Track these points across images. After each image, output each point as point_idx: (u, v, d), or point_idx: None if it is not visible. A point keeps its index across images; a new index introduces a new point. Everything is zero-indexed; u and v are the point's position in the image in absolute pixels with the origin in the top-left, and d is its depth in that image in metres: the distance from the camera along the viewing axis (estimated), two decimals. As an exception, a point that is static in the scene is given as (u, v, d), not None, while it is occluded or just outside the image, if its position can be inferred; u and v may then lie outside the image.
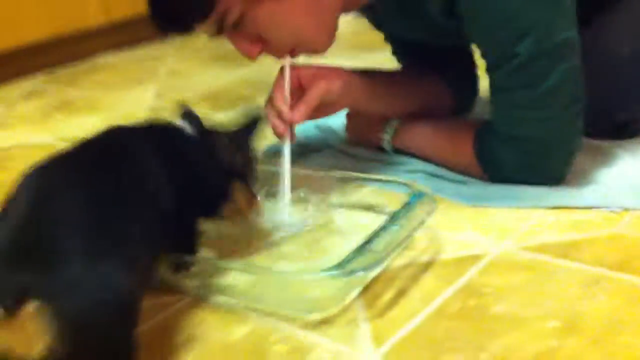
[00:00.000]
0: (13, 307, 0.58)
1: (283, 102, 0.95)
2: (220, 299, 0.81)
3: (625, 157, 1.03)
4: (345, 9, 0.98)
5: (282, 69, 0.96)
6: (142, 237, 0.70)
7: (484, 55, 0.96)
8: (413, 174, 1.05)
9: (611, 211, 0.91)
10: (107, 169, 0.72)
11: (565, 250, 0.85)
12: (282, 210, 0.93)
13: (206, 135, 0.86)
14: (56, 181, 0.69)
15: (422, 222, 0.86)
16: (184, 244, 0.83)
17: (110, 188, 0.70)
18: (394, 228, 0.81)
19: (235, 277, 0.80)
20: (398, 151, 1.11)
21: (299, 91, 0.97)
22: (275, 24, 0.91)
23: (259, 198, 0.90)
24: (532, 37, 0.89)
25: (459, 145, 1.03)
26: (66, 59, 2.00)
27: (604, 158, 1.03)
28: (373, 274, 0.81)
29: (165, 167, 0.78)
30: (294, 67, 0.97)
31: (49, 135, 1.48)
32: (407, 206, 0.85)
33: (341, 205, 0.98)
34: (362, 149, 1.15)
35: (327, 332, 0.75)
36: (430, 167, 1.06)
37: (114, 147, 0.77)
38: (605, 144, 1.07)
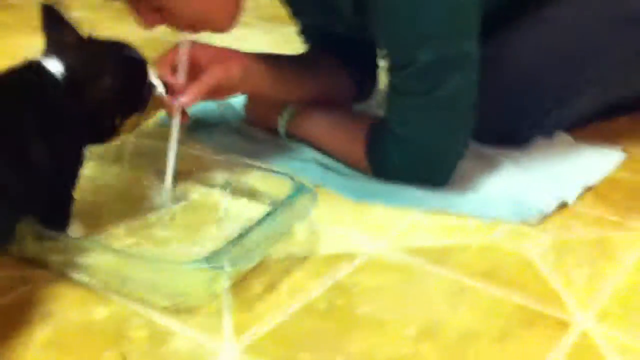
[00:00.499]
0: None
1: (171, 76, 0.92)
2: (83, 277, 0.78)
3: (508, 166, 1.06)
4: None
5: (179, 44, 0.93)
6: None
7: (386, 56, 0.96)
8: (304, 162, 1.05)
9: (486, 220, 0.94)
10: None
11: (437, 256, 0.86)
12: (164, 191, 0.91)
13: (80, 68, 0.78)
14: None
15: (300, 218, 0.87)
16: (55, 209, 0.80)
17: None
18: (271, 222, 0.81)
19: (100, 257, 0.78)
20: (293, 137, 1.11)
21: (194, 69, 0.94)
22: (185, 7, 0.89)
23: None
24: (433, 44, 0.90)
25: (351, 140, 1.03)
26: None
27: (487, 165, 1.05)
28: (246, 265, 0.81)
29: (31, 123, 0.73)
30: (193, 44, 0.94)
31: None
32: (286, 200, 0.84)
33: (224, 188, 0.97)
34: (259, 131, 1.14)
35: (188, 321, 0.74)
36: (322, 157, 1.06)
37: None
38: (490, 151, 1.09)
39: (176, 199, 0.94)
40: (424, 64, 0.91)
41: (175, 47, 0.94)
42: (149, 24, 0.91)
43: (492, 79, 1.00)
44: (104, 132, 0.84)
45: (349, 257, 0.86)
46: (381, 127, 0.99)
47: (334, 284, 0.81)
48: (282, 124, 1.10)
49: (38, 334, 0.71)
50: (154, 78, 0.86)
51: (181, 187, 0.96)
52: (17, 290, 0.77)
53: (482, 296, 0.80)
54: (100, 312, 0.75)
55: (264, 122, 1.14)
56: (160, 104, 0.90)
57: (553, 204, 0.95)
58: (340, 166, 1.04)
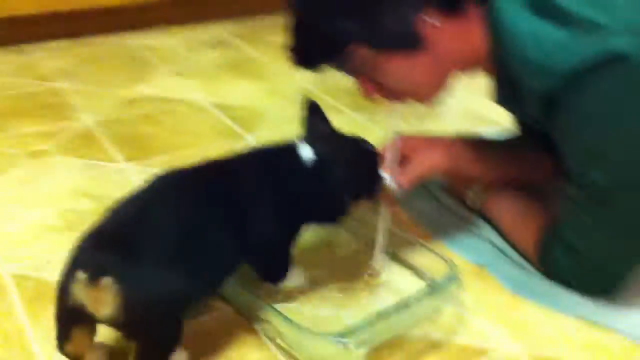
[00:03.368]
0: (93, 277, 0.78)
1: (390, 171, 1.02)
2: (253, 321, 0.95)
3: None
4: (463, 70, 1.03)
5: (390, 140, 1.03)
6: (216, 262, 0.88)
7: (564, 164, 0.97)
8: (480, 241, 1.12)
9: (637, 342, 0.92)
10: (213, 196, 0.89)
11: (566, 373, 0.88)
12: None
13: (326, 153, 0.94)
14: (170, 193, 0.89)
15: (444, 304, 0.94)
16: (272, 267, 0.97)
17: (209, 216, 0.87)
18: (406, 310, 0.90)
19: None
20: (480, 212, 1.17)
21: (402, 160, 1.03)
22: (396, 77, 0.97)
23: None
24: (611, 168, 0.90)
25: (527, 232, 1.06)
26: (256, 9, 2.16)
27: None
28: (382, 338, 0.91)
29: (270, 197, 0.92)
30: (402, 137, 1.03)
31: (209, 97, 1.67)
32: (430, 290, 0.93)
33: (396, 261, 1.07)
34: (454, 200, 1.22)
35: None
36: (498, 238, 1.12)
37: (226, 176, 0.93)
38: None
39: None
40: (599, 185, 0.91)
41: (388, 142, 1.04)
42: (367, 94, 1.01)
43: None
44: (335, 212, 0.98)
45: (481, 351, 0.91)
46: (554, 231, 1.00)
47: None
48: (472, 198, 1.17)
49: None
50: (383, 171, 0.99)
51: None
52: (196, 317, 0.96)
53: None
54: (252, 356, 0.90)
55: (457, 191, 1.21)
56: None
57: None
58: (513, 252, 1.08)
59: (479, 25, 0.96)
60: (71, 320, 0.82)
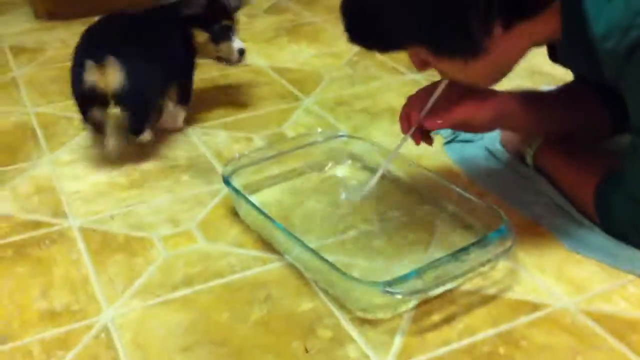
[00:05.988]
0: (99, 60, 1.18)
1: (418, 106, 1.02)
2: (301, 268, 0.98)
3: None
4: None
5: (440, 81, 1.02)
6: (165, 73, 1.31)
7: (631, 118, 0.94)
8: (536, 196, 1.10)
9: (700, 301, 0.90)
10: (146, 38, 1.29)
11: (622, 328, 0.87)
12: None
13: None
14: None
15: (496, 259, 0.94)
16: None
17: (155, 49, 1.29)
18: (456, 262, 0.90)
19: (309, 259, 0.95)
20: (538, 168, 1.15)
21: (445, 101, 1.02)
22: (454, 74, 0.98)
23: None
24: None
25: (583, 183, 1.04)
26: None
27: None
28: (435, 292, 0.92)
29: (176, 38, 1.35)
30: (450, 82, 1.01)
31: (266, 60, 1.69)
32: (480, 243, 0.92)
33: (450, 215, 1.07)
34: (509, 155, 1.21)
35: (367, 333, 0.88)
36: (555, 193, 1.09)
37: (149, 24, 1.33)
38: None
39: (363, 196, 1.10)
40: None
41: (433, 84, 1.03)
42: (421, 67, 0.99)
43: None
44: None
45: (534, 307, 0.91)
46: (615, 180, 0.98)
47: (507, 331, 0.87)
48: (529, 154, 1.15)
49: (255, 313, 0.92)
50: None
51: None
52: (251, 269, 1.00)
53: (646, 384, 0.80)
54: (305, 305, 0.93)
55: (514, 149, 1.19)
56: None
57: None
58: (571, 208, 1.06)
59: (548, 21, 0.92)
60: (88, 101, 1.20)
